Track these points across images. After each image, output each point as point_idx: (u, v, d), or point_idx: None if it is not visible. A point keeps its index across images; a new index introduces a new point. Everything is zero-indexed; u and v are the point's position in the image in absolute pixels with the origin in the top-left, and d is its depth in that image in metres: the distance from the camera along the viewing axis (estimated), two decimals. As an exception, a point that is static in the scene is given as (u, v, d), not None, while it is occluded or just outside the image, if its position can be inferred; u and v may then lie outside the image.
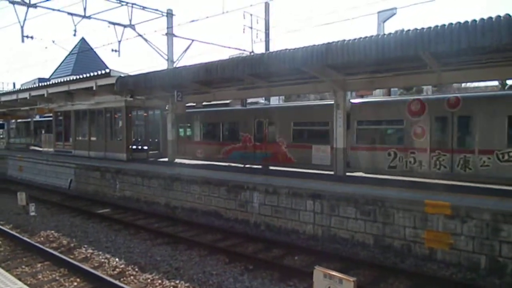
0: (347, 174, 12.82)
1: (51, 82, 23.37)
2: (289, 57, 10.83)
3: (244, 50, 25.30)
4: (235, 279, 7.38)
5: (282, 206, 10.58)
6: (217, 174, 13.47)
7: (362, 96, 19.53)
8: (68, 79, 21.81)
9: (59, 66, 57.35)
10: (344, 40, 9.84)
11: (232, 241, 9.91)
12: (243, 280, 7.36)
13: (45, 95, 21.87)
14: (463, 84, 27.92)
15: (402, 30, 9.27)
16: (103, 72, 17.92)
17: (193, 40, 23.25)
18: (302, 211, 10.17)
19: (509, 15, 7.64)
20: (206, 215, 12.34)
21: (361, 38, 9.63)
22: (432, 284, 7.11)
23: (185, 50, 23.22)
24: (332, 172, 12.91)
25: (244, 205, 11.48)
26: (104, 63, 54.60)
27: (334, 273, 5.30)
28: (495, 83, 24.36)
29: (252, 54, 23.10)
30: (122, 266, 8.13)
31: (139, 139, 21.57)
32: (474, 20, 7.98)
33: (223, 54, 64.49)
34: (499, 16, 7.73)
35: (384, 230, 8.81)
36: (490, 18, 7.81)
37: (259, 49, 26.66)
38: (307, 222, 10.07)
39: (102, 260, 8.56)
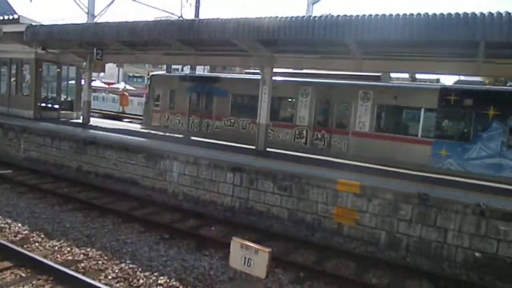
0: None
1: None
2: (220, 27, 10.61)
3: (173, 14, 24.34)
4: (150, 248, 7.28)
5: (201, 178, 10.57)
6: (135, 140, 12.97)
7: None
8: (-34, 21, 19.10)
9: (-46, 4, 50.04)
10: (277, 17, 9.88)
11: (148, 210, 9.71)
12: (158, 249, 7.29)
13: None
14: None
15: (332, 15, 9.59)
16: (10, 17, 15.97)
17: (117, -5, 21.71)
18: (221, 183, 10.28)
19: (428, 14, 8.27)
20: (122, 182, 11.89)
21: (293, 17, 9.76)
22: (337, 256, 7.70)
23: (109, 5, 21.66)
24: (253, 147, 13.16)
25: (162, 174, 11.25)
26: (12, 8, 48.79)
27: (250, 244, 5.47)
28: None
29: (181, 19, 22.23)
30: (26, 232, 7.55)
31: (50, 97, 19.81)
32: (398, 14, 8.51)
33: (149, 17, 61.16)
34: (419, 14, 8.32)
35: (298, 205, 9.29)
36: (412, 14, 8.38)
37: (188, 15, 25.77)
38: (226, 194, 10.21)
39: (2, 225, 7.85)
